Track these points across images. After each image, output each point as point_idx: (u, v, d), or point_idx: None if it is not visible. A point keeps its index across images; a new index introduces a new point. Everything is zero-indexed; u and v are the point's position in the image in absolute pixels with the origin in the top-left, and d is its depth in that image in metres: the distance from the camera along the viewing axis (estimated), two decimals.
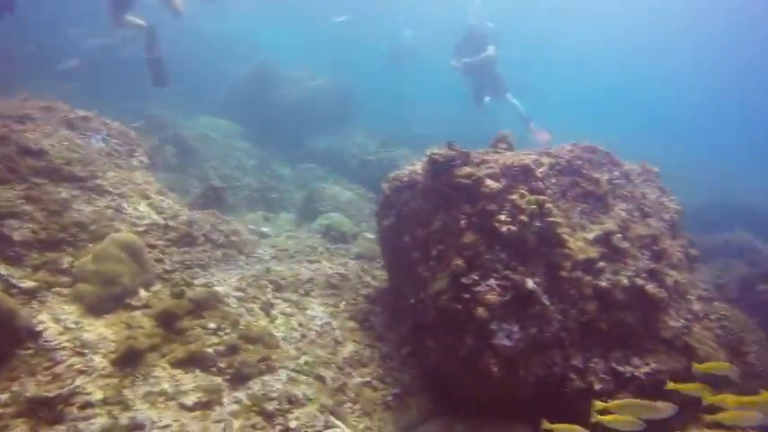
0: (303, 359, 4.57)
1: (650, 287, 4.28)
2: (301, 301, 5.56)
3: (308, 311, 5.40)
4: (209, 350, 3.96)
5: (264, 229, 8.29)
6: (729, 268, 8.09)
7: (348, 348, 5.01)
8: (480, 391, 4.04)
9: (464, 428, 4.08)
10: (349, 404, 4.37)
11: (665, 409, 3.19)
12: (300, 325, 5.12)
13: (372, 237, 7.88)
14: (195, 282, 4.99)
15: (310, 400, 3.98)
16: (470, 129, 11.63)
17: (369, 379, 4.68)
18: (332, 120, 15.53)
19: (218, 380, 3.81)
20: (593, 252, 4.30)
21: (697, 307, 4.84)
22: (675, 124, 31.70)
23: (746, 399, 3.13)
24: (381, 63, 20.52)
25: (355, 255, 7.35)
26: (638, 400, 3.34)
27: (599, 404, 3.26)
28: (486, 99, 12.47)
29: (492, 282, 3.89)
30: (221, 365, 3.94)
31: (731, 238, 10.40)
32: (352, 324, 5.40)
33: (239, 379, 3.89)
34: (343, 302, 5.77)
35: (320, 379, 4.40)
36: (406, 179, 5.10)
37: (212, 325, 4.27)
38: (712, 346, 4.46)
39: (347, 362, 4.83)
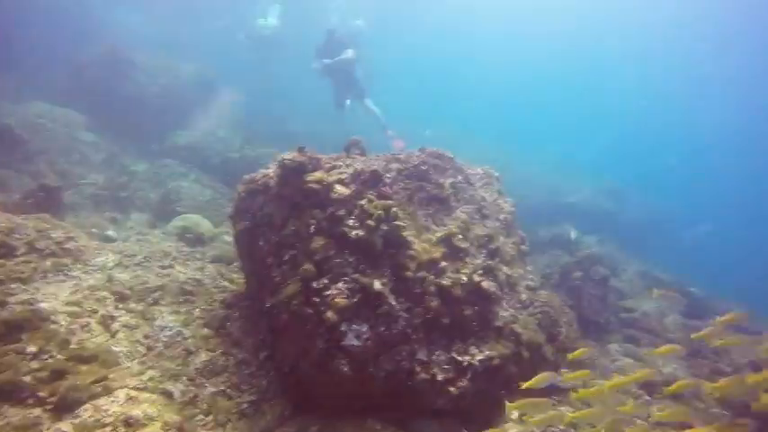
0: (148, 375, 4.28)
1: (485, 283, 4.79)
2: (148, 311, 5.18)
3: (157, 322, 5.05)
4: (26, 378, 3.50)
5: (110, 233, 7.54)
6: (556, 258, 9.36)
7: (201, 358, 4.79)
8: (334, 390, 4.17)
9: (318, 429, 4.18)
10: (201, 416, 4.21)
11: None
12: (146, 337, 4.77)
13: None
14: (11, 300, 4.35)
15: (152, 419, 3.74)
16: (347, 128, 11.73)
17: (223, 388, 4.54)
18: (195, 113, 14.54)
19: (36, 412, 3.39)
20: (437, 253, 4.67)
21: (524, 296, 5.54)
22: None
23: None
24: (242, 53, 19.39)
25: (213, 258, 7.04)
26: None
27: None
28: (348, 102, 12.53)
29: (341, 285, 4.03)
30: (41, 395, 3.51)
31: (559, 231, 12.05)
32: (206, 331, 5.17)
33: (64, 408, 3.50)
34: (198, 309, 5.50)
35: (167, 394, 4.16)
36: (260, 182, 5.03)
37: (32, 348, 3.78)
38: (534, 330, 5.16)
39: (200, 372, 4.63)
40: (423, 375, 4.27)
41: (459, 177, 5.65)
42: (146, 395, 4.00)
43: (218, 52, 20.89)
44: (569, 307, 7.92)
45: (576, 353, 4.78)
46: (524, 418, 4.28)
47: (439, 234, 4.83)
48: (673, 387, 4.30)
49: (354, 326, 4.02)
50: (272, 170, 5.02)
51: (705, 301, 11.52)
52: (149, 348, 4.65)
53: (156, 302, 5.38)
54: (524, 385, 4.03)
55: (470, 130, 22.70)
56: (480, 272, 4.86)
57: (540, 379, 4.04)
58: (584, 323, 7.92)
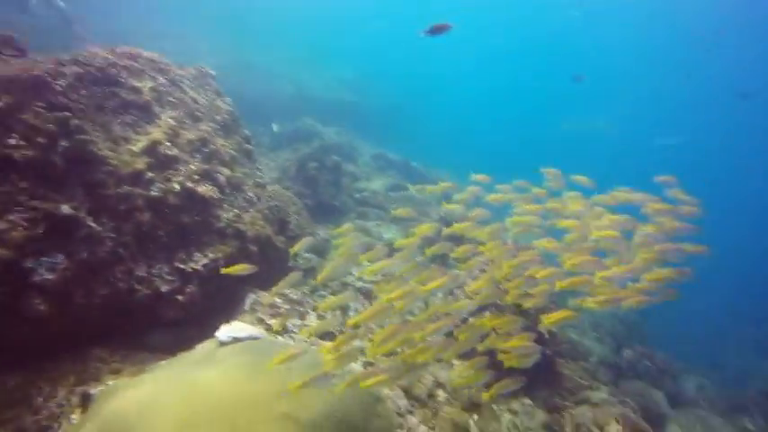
0: None
1: (202, 188, 4.76)
2: None
3: None
4: None
5: None
6: (298, 152, 9.80)
7: None
8: (36, 334, 3.76)
9: (18, 381, 3.77)
10: None
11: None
12: None
13: None
14: None
15: None
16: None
17: None
18: None
19: None
20: (141, 164, 4.36)
21: (251, 194, 5.73)
22: None
23: None
24: None
25: None
26: None
27: None
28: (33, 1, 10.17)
29: (15, 217, 3.46)
30: None
31: (300, 124, 12.54)
32: None
33: None
34: None
35: None
36: None
37: None
38: (261, 225, 5.48)
39: None
40: (145, 291, 4.19)
41: (163, 79, 5.18)
42: None
43: None
44: (307, 195, 8.63)
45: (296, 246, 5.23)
46: (254, 306, 4.69)
47: (141, 144, 4.47)
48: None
49: (46, 258, 3.58)
50: None
51: (422, 171, 13.94)
52: None
53: None
54: (224, 270, 4.17)
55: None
56: (196, 177, 4.78)
57: (240, 268, 4.30)
58: (324, 208, 8.78)
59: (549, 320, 3.99)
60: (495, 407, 4.96)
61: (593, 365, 7.82)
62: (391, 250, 4.24)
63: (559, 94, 32.67)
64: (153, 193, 4.31)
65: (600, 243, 4.33)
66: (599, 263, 4.07)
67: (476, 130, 32.09)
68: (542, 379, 5.70)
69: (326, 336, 4.59)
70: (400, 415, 3.32)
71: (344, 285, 6.02)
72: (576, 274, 4.00)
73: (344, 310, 5.65)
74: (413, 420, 3.32)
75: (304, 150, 9.22)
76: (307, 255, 6.64)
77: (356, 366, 3.72)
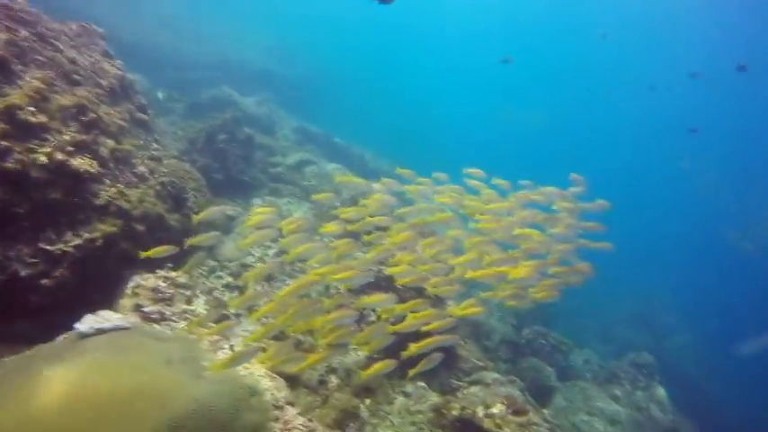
0: None
1: (76, 161, 4.29)
2: None
3: None
4: None
5: None
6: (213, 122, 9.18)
7: None
8: None
9: None
10: None
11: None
12: None
13: None
14: None
15: None
16: None
17: None
18: None
19: None
20: None
21: (143, 169, 5.29)
22: None
23: None
24: None
25: None
26: None
27: None
28: None
29: None
30: None
31: (217, 93, 11.80)
32: None
33: None
34: None
35: None
36: None
37: None
38: (152, 202, 5.08)
39: None
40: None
41: (26, 32, 4.55)
42: None
43: None
44: (216, 170, 8.19)
45: (201, 215, 4.94)
46: (136, 291, 4.36)
47: None
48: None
49: None
50: None
51: (345, 147, 13.74)
52: None
53: None
54: (143, 255, 4.01)
55: None
56: (70, 149, 4.29)
57: (161, 250, 4.06)
58: (233, 183, 8.36)
59: (459, 312, 4.13)
60: (390, 390, 5.03)
61: (495, 344, 8.22)
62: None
63: (491, 80, 33.59)
64: (8, 165, 3.81)
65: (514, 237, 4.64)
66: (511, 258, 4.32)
67: (410, 110, 32.09)
68: (442, 361, 5.88)
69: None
70: (278, 407, 3.23)
71: (244, 267, 5.78)
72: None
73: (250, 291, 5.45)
74: (291, 412, 3.24)
75: (215, 121, 8.66)
76: (210, 233, 6.31)
77: (222, 356, 3.56)
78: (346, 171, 10.27)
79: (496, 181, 5.45)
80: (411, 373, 3.84)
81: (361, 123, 20.17)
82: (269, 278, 5.77)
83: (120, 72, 5.51)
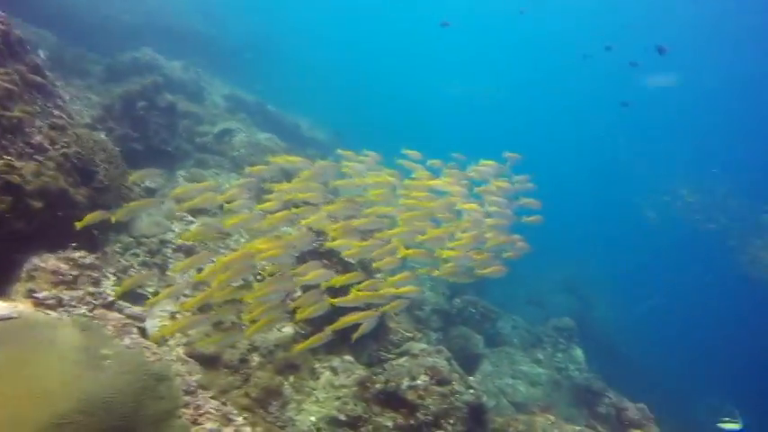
0: None
1: None
2: None
3: None
4: None
5: None
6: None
7: None
8: None
9: None
10: None
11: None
12: None
13: None
14: None
15: None
16: None
17: None
18: None
19: None
20: None
21: (39, 138, 4.80)
22: None
23: None
24: None
25: None
26: None
27: None
28: None
29: None
30: None
31: (139, 55, 10.91)
32: None
33: None
34: None
35: None
36: None
37: None
38: (53, 176, 4.63)
39: None
40: None
41: None
42: None
43: None
44: (135, 139, 7.64)
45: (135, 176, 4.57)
46: (33, 274, 4.00)
47: None
48: None
49: None
50: None
51: (278, 116, 13.28)
52: None
53: None
54: (79, 225, 3.87)
55: None
56: None
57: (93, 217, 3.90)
58: (154, 154, 7.84)
59: (394, 290, 4.19)
60: (316, 364, 5.02)
61: (427, 314, 8.41)
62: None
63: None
64: None
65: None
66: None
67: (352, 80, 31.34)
68: (371, 333, 5.93)
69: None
70: (190, 392, 3.10)
71: (163, 243, 5.47)
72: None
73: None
74: (203, 396, 3.12)
75: (133, 86, 8.01)
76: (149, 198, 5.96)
77: (129, 341, 3.36)
78: (278, 141, 9.89)
79: (432, 162, 5.62)
80: (353, 336, 3.94)
81: (300, 93, 19.49)
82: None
83: (5, 28, 4.89)
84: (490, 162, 5.60)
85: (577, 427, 5.71)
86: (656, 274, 18.73)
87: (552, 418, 5.73)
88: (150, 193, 6.59)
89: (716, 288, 17.87)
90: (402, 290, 4.22)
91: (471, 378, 6.53)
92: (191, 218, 5.93)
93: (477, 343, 7.71)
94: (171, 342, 4.26)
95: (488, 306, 8.75)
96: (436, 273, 4.67)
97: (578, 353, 8.68)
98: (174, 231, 5.67)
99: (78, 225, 3.89)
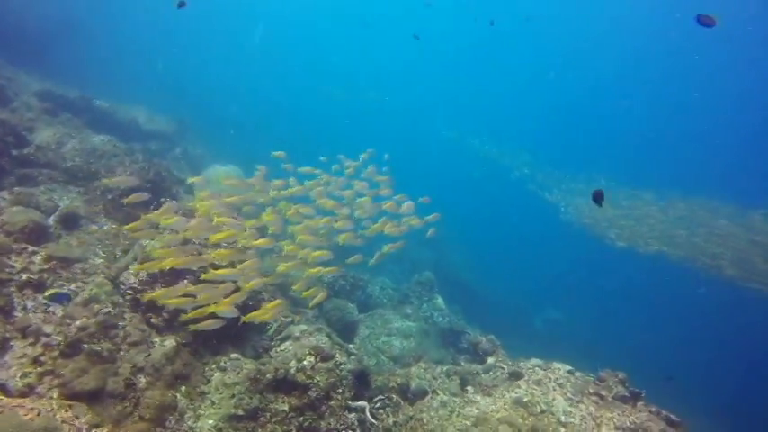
0: None
1: None
2: None
3: None
4: None
5: None
6: None
7: None
8: None
9: None
10: None
11: None
12: None
13: None
14: None
15: None
16: None
17: None
18: None
19: None
20: None
21: None
22: None
23: None
24: None
25: None
26: None
27: None
28: None
29: None
30: None
31: None
32: None
33: None
34: None
35: None
36: None
37: None
38: None
39: None
40: None
41: None
42: None
43: None
44: None
45: None
46: None
47: None
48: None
49: None
50: None
51: (110, 112, 12.10)
52: None
53: None
54: None
55: None
56: None
57: None
58: None
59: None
60: (206, 368, 5.19)
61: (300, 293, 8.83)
62: None
63: None
64: None
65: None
66: None
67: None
68: (252, 325, 6.18)
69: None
70: None
71: None
72: None
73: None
74: None
75: None
76: None
77: None
78: (117, 143, 9.11)
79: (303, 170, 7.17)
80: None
81: (127, 79, 17.62)
82: None
83: None
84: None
85: (445, 367, 6.77)
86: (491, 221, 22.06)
87: (424, 365, 6.71)
88: None
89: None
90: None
91: (351, 345, 7.23)
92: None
93: (351, 311, 8.41)
94: (40, 388, 4.08)
95: (356, 275, 9.48)
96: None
97: (439, 301, 9.95)
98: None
99: None
